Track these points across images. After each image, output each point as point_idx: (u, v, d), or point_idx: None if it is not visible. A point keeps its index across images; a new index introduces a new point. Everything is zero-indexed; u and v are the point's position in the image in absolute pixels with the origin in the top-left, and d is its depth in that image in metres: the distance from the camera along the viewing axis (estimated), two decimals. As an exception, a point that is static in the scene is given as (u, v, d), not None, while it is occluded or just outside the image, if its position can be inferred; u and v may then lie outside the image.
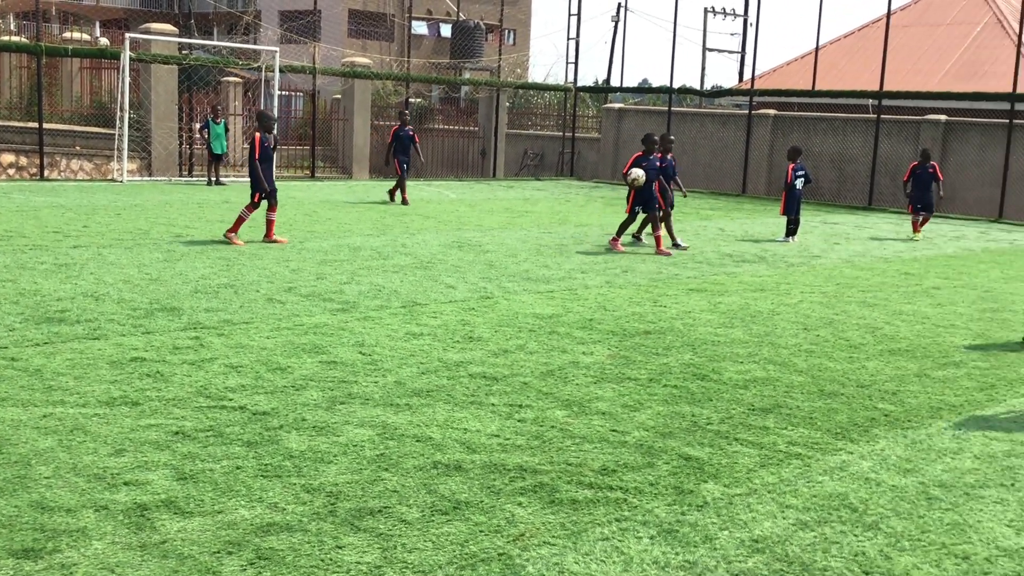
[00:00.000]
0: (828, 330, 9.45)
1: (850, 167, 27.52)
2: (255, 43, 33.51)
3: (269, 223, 14.07)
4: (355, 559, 4.20)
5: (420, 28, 51.34)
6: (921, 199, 18.39)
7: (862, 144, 27.13)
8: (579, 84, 35.24)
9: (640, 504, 4.96)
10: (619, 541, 4.51)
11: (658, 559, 4.35)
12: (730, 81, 61.93)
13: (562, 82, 35.82)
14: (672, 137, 16.45)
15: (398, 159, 20.92)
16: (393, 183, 21.48)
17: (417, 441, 5.73)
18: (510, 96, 39.22)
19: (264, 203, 14.10)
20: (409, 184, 27.65)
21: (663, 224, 15.27)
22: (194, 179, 25.18)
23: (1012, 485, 5.47)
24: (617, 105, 35.22)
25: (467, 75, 39.15)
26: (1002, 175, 23.99)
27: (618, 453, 5.69)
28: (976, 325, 10.05)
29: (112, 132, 24.00)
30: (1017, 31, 25.15)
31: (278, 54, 25.58)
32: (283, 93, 29.94)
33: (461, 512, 4.75)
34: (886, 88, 26.54)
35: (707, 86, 40.46)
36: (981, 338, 9.40)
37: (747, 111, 29.70)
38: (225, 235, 13.88)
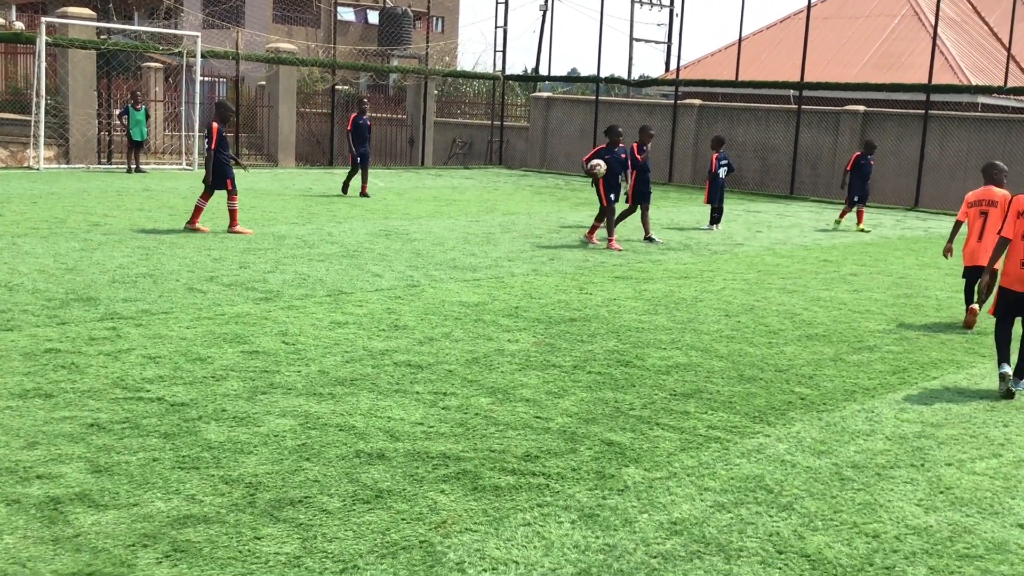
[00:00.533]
0: (749, 316, 9.63)
1: (772, 157, 28.00)
2: (176, 28, 32.83)
3: (232, 213, 13.86)
4: (274, 550, 4.17)
5: (347, 14, 50.79)
6: (860, 190, 18.40)
7: (784, 134, 27.63)
8: (508, 73, 35.24)
9: (562, 489, 5.00)
10: (540, 526, 4.55)
11: (578, 543, 4.40)
12: (657, 71, 62.54)
13: (491, 71, 35.78)
14: (652, 131, 16.10)
15: (356, 149, 20.11)
16: (348, 173, 20.62)
17: (340, 430, 5.70)
18: (439, 84, 39.05)
19: (220, 192, 13.87)
20: (337, 172, 27.41)
21: (631, 218, 15.31)
22: (113, 166, 24.59)
23: (922, 465, 5.64)
24: (546, 94, 35.32)
25: (395, 62, 38.87)
26: (918, 165, 24.64)
27: (541, 439, 5.73)
28: (891, 311, 10.33)
29: (28, 119, 23.30)
30: (933, 23, 25.82)
31: (200, 39, 25.09)
32: (205, 79, 29.39)
33: (383, 500, 4.74)
34: (807, 79, 27.04)
35: (634, 76, 40.76)
36: (895, 323, 9.67)
37: (673, 101, 30.02)
38: (187, 227, 13.71)
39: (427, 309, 9.19)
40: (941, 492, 5.25)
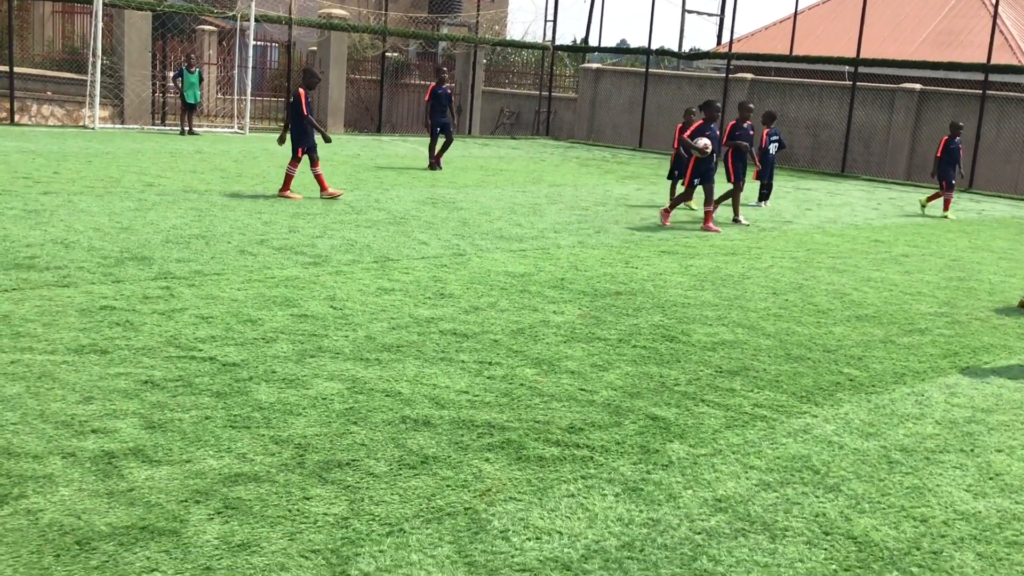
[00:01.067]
0: (797, 295, 9.54)
1: (824, 133, 27.61)
2: (230, -9, 32.95)
3: (318, 177, 13.90)
4: (323, 510, 4.23)
5: (398, -19, 50.62)
6: (947, 175, 17.73)
7: (837, 111, 27.21)
8: (557, 43, 35.01)
9: (606, 462, 5.01)
10: (584, 498, 4.57)
11: (622, 516, 4.41)
12: (708, 44, 61.73)
13: (540, 40, 35.55)
14: (751, 106, 15.27)
15: (433, 120, 19.21)
16: (428, 147, 19.62)
17: (386, 396, 5.75)
18: (487, 53, 38.90)
19: (306, 158, 13.91)
20: (385, 139, 27.47)
21: (731, 199, 14.65)
22: (167, 128, 24.86)
23: (972, 451, 5.57)
24: (595, 65, 35.05)
25: (445, 31, 38.78)
26: (973, 146, 24.17)
27: (586, 412, 5.75)
28: (942, 293, 10.18)
29: (84, 78, 23.61)
30: (994, 1, 25.21)
31: (253, 3, 25.19)
32: (258, 43, 29.55)
33: (428, 467, 4.78)
34: (862, 55, 26.57)
35: (685, 48, 40.32)
36: (947, 306, 9.53)
37: (724, 75, 29.65)
38: (280, 194, 13.81)
39: (473, 278, 9.21)
40: (991, 478, 5.19)
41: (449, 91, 19.66)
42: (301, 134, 13.75)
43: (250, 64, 26.09)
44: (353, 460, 4.78)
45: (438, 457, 4.91)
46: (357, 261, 9.60)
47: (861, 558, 4.19)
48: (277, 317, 7.29)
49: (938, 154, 17.97)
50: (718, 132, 13.92)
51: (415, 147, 25.20)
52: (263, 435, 5.00)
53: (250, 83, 26.19)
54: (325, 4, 32.98)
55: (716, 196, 14.10)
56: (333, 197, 13.90)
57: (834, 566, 4.11)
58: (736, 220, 14.57)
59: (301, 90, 13.78)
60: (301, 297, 7.95)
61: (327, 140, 14.08)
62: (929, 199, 18.24)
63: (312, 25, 28.76)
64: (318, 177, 13.92)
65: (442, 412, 5.55)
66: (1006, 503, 4.87)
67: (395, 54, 35.00)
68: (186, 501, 4.22)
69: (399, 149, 24.06)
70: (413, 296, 8.31)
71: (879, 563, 4.16)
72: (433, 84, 19.39)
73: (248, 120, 25.79)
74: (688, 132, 13.96)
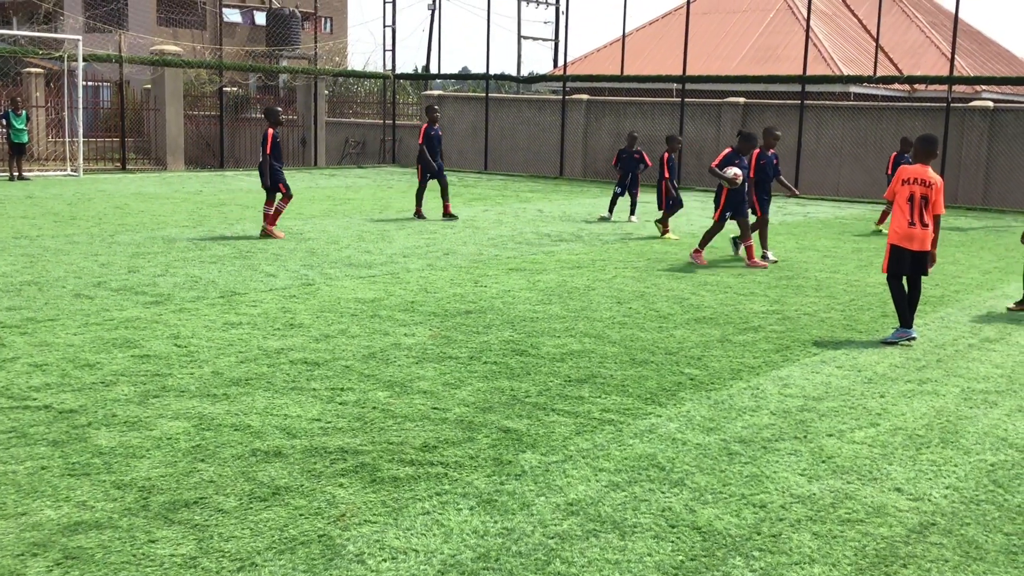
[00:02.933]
0: (639, 302, 9.86)
1: (660, 149, 28.49)
2: (56, 32, 31.72)
3: (272, 214, 14.02)
4: (169, 552, 4.13)
5: (233, 16, 49.82)
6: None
7: (669, 126, 28.20)
8: (398, 71, 35.11)
9: (460, 477, 5.07)
10: (439, 514, 4.61)
11: (477, 528, 4.47)
12: (545, 67, 63.07)
13: (381, 70, 35.59)
14: (778, 132, 14.01)
15: (424, 164, 17.14)
16: (416, 193, 17.60)
17: (235, 430, 5.65)
18: (329, 84, 38.66)
19: (272, 195, 14.05)
20: (229, 174, 26.91)
21: (756, 233, 13.40)
22: (-9, 174, 23.67)
23: (804, 437, 5.89)
24: (437, 92, 35.32)
25: (284, 63, 38.33)
26: (796, 153, 25.48)
27: (439, 429, 5.79)
28: (773, 292, 10.71)
29: None
30: (806, 17, 26.72)
31: (81, 43, 24.33)
32: (89, 83, 28.53)
33: (280, 497, 4.73)
34: (689, 72, 27.68)
35: (523, 72, 41.05)
36: (777, 304, 10.03)
37: (562, 96, 30.36)
38: (265, 231, 13.96)
39: (323, 307, 9.15)
40: (823, 461, 5.49)
41: (440, 132, 17.90)
42: (275, 172, 13.95)
43: (80, 105, 25.16)
44: (201, 498, 4.69)
45: (290, 487, 4.86)
46: (202, 297, 9.39)
47: (706, 547, 4.38)
48: (117, 359, 7.06)
49: (887, 170, 17.88)
50: (747, 163, 12.95)
51: (259, 181, 24.77)
52: (104, 481, 4.84)
53: (81, 124, 25.25)
54: (158, 41, 32.14)
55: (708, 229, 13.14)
56: (271, 235, 13.90)
57: (681, 557, 4.27)
58: (765, 256, 13.10)
59: (269, 130, 14.05)
60: (143, 337, 7.72)
61: (269, 184, 14.05)
62: (881, 219, 17.77)
63: (144, 63, 27.96)
64: (271, 216, 14.00)
65: (294, 442, 5.50)
66: (838, 484, 5.17)
67: (234, 88, 34.36)
68: (23, 555, 4.04)
69: (243, 184, 23.62)
70: (261, 328, 8.19)
71: (723, 550, 4.35)
72: (425, 125, 17.23)
73: (81, 162, 24.83)
74: (716, 161, 13.06)
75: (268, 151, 13.90)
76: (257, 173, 14.87)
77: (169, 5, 46.21)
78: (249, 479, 4.94)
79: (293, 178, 26.05)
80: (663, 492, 4.97)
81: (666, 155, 16.04)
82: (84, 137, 25.59)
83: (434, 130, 17.31)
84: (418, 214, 17.29)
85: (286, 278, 10.62)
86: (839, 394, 6.82)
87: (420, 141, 17.17)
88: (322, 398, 6.32)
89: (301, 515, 4.54)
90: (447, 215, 17.31)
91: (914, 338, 8.45)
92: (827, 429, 6.05)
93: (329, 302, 9.40)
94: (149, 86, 30.70)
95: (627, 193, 17.98)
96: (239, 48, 39.28)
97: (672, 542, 4.41)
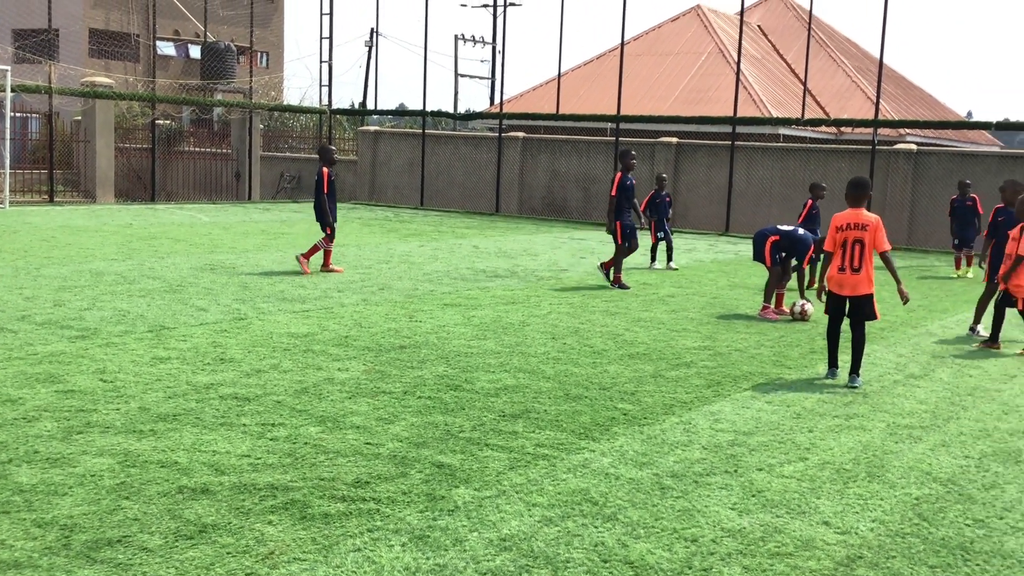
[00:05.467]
0: (574, 338, 9.91)
1: (594, 187, 28.91)
2: (-20, 60, 31.09)
3: (308, 251, 14.41)
4: (92, 590, 4.01)
5: (168, 49, 49.30)
6: (960, 234, 17.53)
7: (604, 165, 28.60)
8: (335, 107, 35.07)
9: (393, 513, 5.02)
10: (371, 551, 4.55)
11: (409, 565, 4.43)
12: (482, 105, 63.54)
13: (317, 105, 35.49)
14: (824, 185, 14.41)
15: (625, 220, 14.11)
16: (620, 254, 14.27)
17: (162, 467, 5.53)
18: (264, 119, 38.43)
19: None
20: (160, 208, 26.54)
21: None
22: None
23: (735, 471, 5.95)
24: (373, 128, 35.31)
25: (219, 96, 38.02)
26: (727, 192, 25.97)
27: (372, 465, 5.74)
28: (705, 328, 10.85)
29: None
30: (736, 60, 27.36)
31: (9, 73, 23.87)
32: (17, 115, 27.98)
33: (207, 535, 4.63)
34: (623, 112, 28.10)
35: (460, 110, 41.33)
36: (710, 340, 10.16)
37: (498, 134, 30.58)
38: (324, 269, 14.36)
39: (254, 341, 9.03)
40: (753, 495, 5.55)
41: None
42: (330, 210, 14.35)
43: (7, 136, 24.64)
44: (125, 536, 4.57)
45: (218, 525, 4.76)
46: (130, 332, 9.20)
47: (638, 580, 4.39)
48: (40, 395, 6.87)
49: (948, 213, 18.20)
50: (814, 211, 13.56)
51: (191, 214, 24.48)
52: (24, 519, 4.70)
53: (8, 155, 24.73)
54: (89, 72, 31.69)
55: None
56: (333, 272, 14.31)
57: (613, 590, 4.27)
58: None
59: (324, 169, 14.41)
60: (67, 372, 7.53)
61: (333, 222, 14.48)
62: (957, 265, 17.93)
63: (74, 94, 27.53)
64: (325, 250, 14.43)
65: (222, 478, 5.39)
66: (768, 517, 5.23)
67: (167, 121, 33.97)
68: (-64, 596, 3.90)
69: (174, 217, 23.30)
70: (191, 363, 8.05)
71: (655, 583, 4.36)
72: (620, 173, 14.24)
73: (8, 193, 24.27)
74: (801, 217, 13.54)
75: (325, 190, 14.30)
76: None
77: (101, 37, 45.61)
78: (175, 517, 4.83)
79: (226, 212, 25.80)
80: (596, 527, 4.98)
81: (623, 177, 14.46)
82: (11, 169, 25.05)
83: (630, 179, 14.20)
84: (618, 282, 13.99)
85: (217, 312, 10.47)
86: (769, 429, 6.91)
87: (613, 193, 14.04)
88: (252, 434, 6.23)
89: (228, 553, 4.44)
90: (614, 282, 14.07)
91: (834, 375, 8.62)
92: (757, 463, 6.12)
93: (261, 337, 9.28)
94: (79, 118, 30.20)
95: (662, 238, 16.98)
96: (173, 81, 38.89)
97: (605, 577, 4.41)
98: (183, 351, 8.50)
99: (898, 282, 8.61)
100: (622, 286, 13.90)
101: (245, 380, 7.59)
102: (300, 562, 4.39)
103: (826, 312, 8.71)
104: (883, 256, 8.51)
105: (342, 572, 4.32)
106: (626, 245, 14.03)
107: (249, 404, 6.91)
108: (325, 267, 14.44)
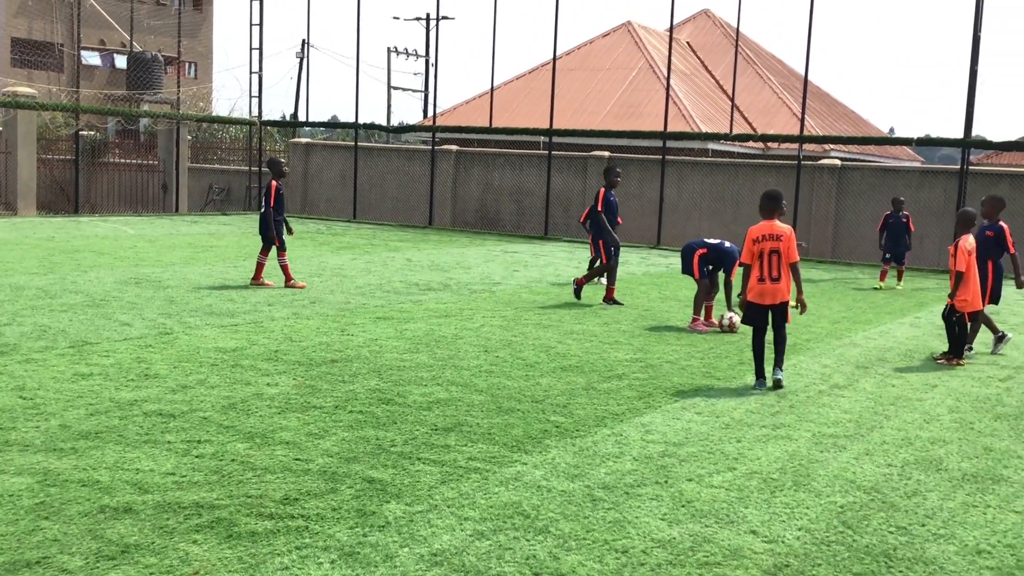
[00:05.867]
0: (507, 351, 9.91)
1: (527, 200, 29.03)
2: None
3: (284, 267, 14.34)
4: (8, 615, 3.88)
5: (93, 59, 48.33)
6: (892, 249, 18.06)
7: (537, 178, 28.73)
8: (265, 118, 34.68)
9: (322, 530, 4.95)
10: (299, 569, 4.48)
11: (338, 581, 4.37)
12: (415, 118, 63.45)
13: (247, 116, 35.08)
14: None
15: (607, 236, 13.94)
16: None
17: (83, 486, 5.38)
18: (192, 130, 37.85)
19: (267, 246, 14.44)
20: (84, 220, 25.93)
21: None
22: None
23: (665, 482, 6.00)
24: (305, 140, 35.00)
25: (146, 107, 37.35)
26: (658, 206, 26.28)
27: (301, 481, 5.66)
28: (637, 341, 10.94)
29: None
30: (666, 76, 27.74)
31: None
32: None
33: (130, 555, 4.52)
34: (556, 126, 28.29)
35: (393, 122, 41.20)
36: (641, 352, 10.24)
37: (431, 147, 30.54)
38: (252, 282, 14.24)
39: (181, 356, 8.86)
40: (683, 506, 5.60)
41: (613, 197, 14.27)
42: (276, 224, 14.29)
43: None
44: (44, 558, 4.43)
45: (140, 544, 4.65)
46: (51, 347, 8.96)
47: (569, 593, 4.39)
48: (-46, 413, 6.65)
49: (878, 227, 18.55)
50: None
51: (116, 226, 23.97)
52: (-64, 542, 4.53)
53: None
54: (11, 82, 30.90)
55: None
56: (296, 287, 14.06)
57: (544, 604, 4.27)
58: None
59: (273, 182, 14.38)
60: (-17, 390, 7.30)
61: (290, 233, 14.77)
62: (881, 277, 18.46)
63: (-7, 103, 26.79)
64: (284, 267, 14.29)
65: (145, 497, 5.27)
66: (697, 527, 5.28)
67: (91, 132, 33.25)
68: None
69: (98, 230, 22.79)
70: (114, 379, 7.86)
71: (586, 595, 4.37)
72: (603, 189, 13.99)
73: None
74: (599, 202, 13.83)
75: (272, 203, 14.24)
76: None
77: (24, 46, 44.56)
78: (96, 537, 4.70)
79: (153, 224, 25.32)
80: (528, 540, 4.97)
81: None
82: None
83: (612, 196, 14.03)
84: (610, 298, 13.82)
85: (142, 327, 10.25)
86: (698, 439, 6.98)
87: (600, 208, 13.82)
88: (177, 451, 6.10)
89: (151, 573, 4.34)
90: (608, 299, 13.89)
91: (762, 386, 8.80)
92: (687, 474, 6.17)
93: (187, 352, 9.11)
94: (0, 128, 29.41)
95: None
96: (98, 91, 38.13)
97: (536, 590, 4.40)
98: (106, 367, 8.30)
99: (800, 292, 9.03)
100: (615, 302, 13.74)
101: (170, 396, 7.44)
102: (226, 581, 4.31)
103: (748, 323, 8.99)
104: (792, 267, 8.87)
105: (270, 591, 4.24)
106: (612, 263, 13.84)
107: (174, 420, 6.77)
108: (256, 280, 14.31)
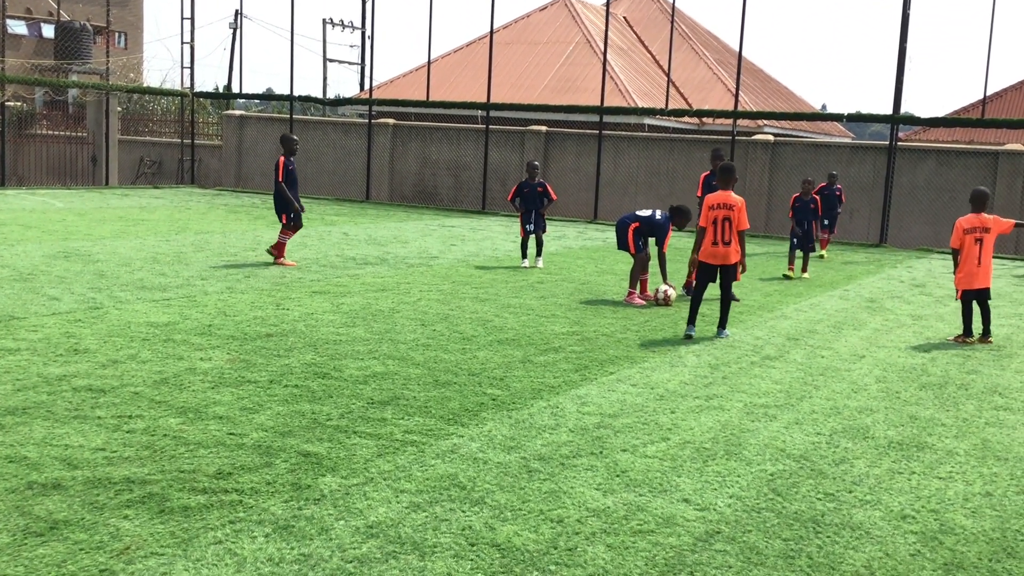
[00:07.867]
0: (444, 325, 9.91)
1: (465, 174, 28.94)
2: None
3: (280, 245, 14.05)
4: (-69, 594, 3.80)
5: (19, 27, 46.81)
6: (828, 215, 18.90)
7: (474, 152, 28.65)
8: (198, 90, 34.01)
9: (256, 504, 4.92)
10: (232, 543, 4.45)
11: (272, 556, 4.35)
12: (352, 91, 62.72)
13: (179, 87, 34.36)
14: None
15: (286, 204, 14.22)
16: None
17: (10, 462, 5.27)
18: (123, 101, 36.96)
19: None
20: (11, 193, 25.23)
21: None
22: None
23: (600, 453, 6.06)
24: (239, 112, 34.42)
25: (74, 77, 36.35)
26: (595, 180, 26.39)
27: (235, 456, 5.61)
28: (573, 314, 11.01)
29: None
30: (603, 51, 27.79)
31: None
32: None
33: (59, 532, 4.45)
34: (493, 100, 28.19)
35: (330, 95, 40.67)
36: (578, 325, 10.31)
37: (368, 120, 30.25)
38: (276, 263, 13.84)
39: (111, 331, 8.69)
40: (618, 476, 5.67)
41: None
42: (285, 201, 13.99)
43: None
44: (-31, 535, 4.34)
45: (70, 521, 4.57)
46: (-26, 323, 8.73)
47: (505, 563, 4.42)
48: None
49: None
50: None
51: (44, 200, 23.38)
52: None
53: None
54: (-71, 49, 29.83)
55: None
56: (285, 266, 13.73)
57: (480, 574, 4.30)
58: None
59: (281, 158, 14.05)
60: (-96, 367, 7.10)
61: (302, 209, 14.25)
62: (822, 246, 19.26)
63: (-89, 70, 25.87)
64: (281, 244, 13.99)
65: (75, 473, 5.18)
66: (631, 496, 5.35)
67: (18, 104, 32.28)
68: None
69: (26, 203, 22.21)
70: (42, 354, 7.69)
71: (521, 566, 4.41)
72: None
73: None
74: (280, 175, 14.04)
75: (280, 178, 13.96)
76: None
77: (-56, 13, 43.03)
78: (24, 513, 4.61)
79: (82, 197, 24.74)
80: (464, 511, 5.00)
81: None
82: None
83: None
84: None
85: (71, 302, 10.04)
86: (633, 411, 7.07)
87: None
88: (107, 426, 6.00)
89: (81, 550, 4.28)
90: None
91: (691, 336, 9.89)
92: (622, 444, 6.25)
93: (118, 326, 8.94)
94: (-81, 97, 28.43)
95: (531, 231, 15.31)
96: (24, 61, 37.02)
97: (471, 560, 4.43)
98: (33, 342, 8.12)
99: (743, 257, 9.97)
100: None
101: (100, 371, 7.30)
102: (158, 556, 4.26)
103: (695, 279, 10.07)
104: (740, 234, 9.84)
105: (202, 565, 4.21)
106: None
107: (105, 396, 6.65)
108: (277, 260, 13.91)
